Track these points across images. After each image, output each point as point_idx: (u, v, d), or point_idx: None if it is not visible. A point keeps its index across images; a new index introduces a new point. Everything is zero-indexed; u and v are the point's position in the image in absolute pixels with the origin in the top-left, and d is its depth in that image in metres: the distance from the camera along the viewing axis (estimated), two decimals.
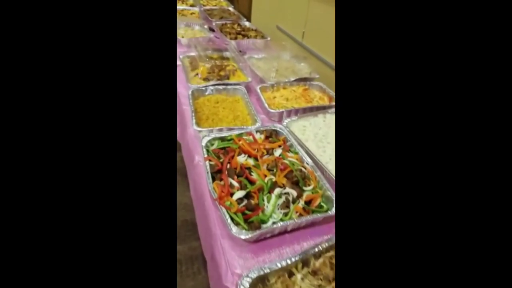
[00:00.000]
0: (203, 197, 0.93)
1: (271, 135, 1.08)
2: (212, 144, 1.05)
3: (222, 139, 1.06)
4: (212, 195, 0.83)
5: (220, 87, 1.42)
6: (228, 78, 1.47)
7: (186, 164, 1.23)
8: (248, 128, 1.12)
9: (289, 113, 1.31)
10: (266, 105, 1.31)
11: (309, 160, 0.99)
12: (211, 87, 1.40)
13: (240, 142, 1.01)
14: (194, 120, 1.15)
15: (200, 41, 2.00)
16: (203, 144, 1.02)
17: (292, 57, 1.82)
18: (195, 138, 1.15)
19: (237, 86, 1.43)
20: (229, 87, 1.43)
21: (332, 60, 2.03)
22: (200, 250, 1.55)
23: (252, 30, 2.20)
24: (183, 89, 1.44)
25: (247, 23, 2.36)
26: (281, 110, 1.28)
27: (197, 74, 1.46)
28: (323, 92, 1.50)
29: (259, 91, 1.41)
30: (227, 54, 1.80)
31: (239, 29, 2.17)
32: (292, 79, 1.54)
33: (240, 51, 1.91)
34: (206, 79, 1.43)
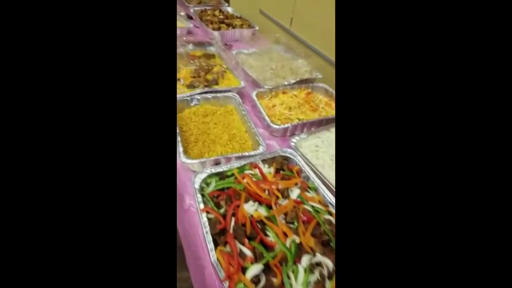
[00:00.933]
0: (202, 267, 0.68)
1: (282, 166, 0.86)
2: (208, 184, 0.80)
3: (220, 175, 0.82)
4: (216, 272, 0.60)
5: (209, 95, 1.15)
6: (217, 83, 1.20)
7: None
8: (251, 157, 0.87)
9: (295, 128, 1.08)
10: (267, 118, 1.06)
11: (333, 199, 0.78)
12: (198, 96, 1.14)
13: (245, 181, 0.78)
14: (180, 147, 0.89)
15: (177, 34, 1.69)
16: (196, 185, 0.78)
17: (285, 51, 1.57)
18: (183, 170, 0.89)
19: (229, 94, 1.17)
20: (219, 95, 1.16)
21: (327, 53, 1.79)
22: None
23: (237, 17, 1.89)
24: None
25: (229, 9, 2.04)
26: (286, 126, 1.05)
27: (178, 79, 1.18)
28: (329, 97, 1.27)
29: (255, 98, 1.16)
30: (211, 49, 1.50)
31: (221, 17, 1.86)
32: (292, 80, 1.29)
33: (226, 45, 1.62)
34: (190, 86, 1.15)
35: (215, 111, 1.12)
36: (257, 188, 0.75)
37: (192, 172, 0.87)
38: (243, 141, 0.99)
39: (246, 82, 1.25)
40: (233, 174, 0.81)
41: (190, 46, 1.49)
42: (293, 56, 1.52)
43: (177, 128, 0.96)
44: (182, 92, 1.13)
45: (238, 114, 1.12)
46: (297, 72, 1.39)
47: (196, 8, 1.96)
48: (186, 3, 2.04)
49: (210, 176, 0.80)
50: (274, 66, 1.39)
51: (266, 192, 0.76)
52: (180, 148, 0.88)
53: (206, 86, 1.15)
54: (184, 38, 1.51)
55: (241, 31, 1.71)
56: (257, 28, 1.75)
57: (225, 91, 1.17)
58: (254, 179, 0.78)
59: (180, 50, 1.39)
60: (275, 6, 2.48)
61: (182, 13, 1.91)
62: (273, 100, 1.21)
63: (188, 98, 1.11)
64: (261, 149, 0.92)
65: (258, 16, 2.61)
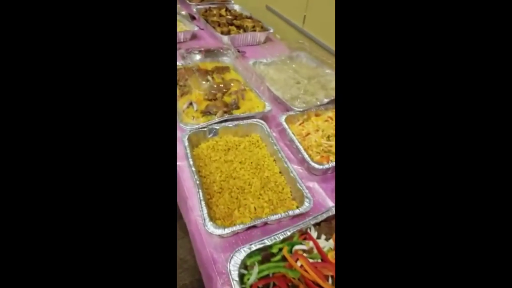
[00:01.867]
0: None
1: None
2: (246, 268, 0.58)
3: (262, 251, 0.60)
4: None
5: (229, 123, 0.93)
6: (237, 107, 0.98)
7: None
8: (300, 222, 0.65)
9: None
10: (304, 154, 0.84)
11: None
12: (217, 126, 0.91)
13: (299, 264, 0.57)
14: (203, 207, 0.67)
15: (180, 40, 1.44)
16: (233, 270, 0.57)
17: (309, 59, 1.34)
18: (211, 247, 0.67)
19: (254, 120, 0.95)
20: (242, 122, 0.94)
21: None
22: None
23: (246, 17, 1.64)
24: None
25: (236, 7, 1.78)
26: (329, 166, 0.84)
27: (190, 104, 0.96)
28: None
29: (285, 124, 0.93)
30: (225, 60, 1.27)
31: (229, 17, 1.61)
32: (325, 99, 1.07)
33: (239, 51, 1.38)
34: (206, 113, 0.92)
35: (238, 144, 0.90)
36: (317, 275, 0.55)
37: (220, 239, 0.66)
38: (280, 188, 0.78)
39: (270, 102, 1.03)
40: (279, 251, 0.60)
41: (198, 56, 1.25)
42: (320, 65, 1.29)
43: (194, 172, 0.74)
44: (197, 121, 0.90)
45: (266, 147, 0.90)
46: (327, 87, 1.16)
47: (199, 7, 1.70)
48: (188, 1, 1.77)
49: (251, 255, 0.59)
50: (301, 80, 1.16)
51: (330, 280, 0.56)
52: (203, 209, 0.66)
53: (225, 112, 0.93)
54: (188, 42, 1.26)
55: (254, 34, 1.47)
56: (271, 30, 1.50)
57: (249, 118, 0.95)
58: (310, 258, 0.58)
59: (187, 61, 1.15)
60: (285, 1, 2.23)
61: (184, 13, 1.66)
62: (306, 126, 0.99)
63: (205, 129, 0.89)
64: (306, 204, 0.71)
65: (264, 12, 2.36)
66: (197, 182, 0.72)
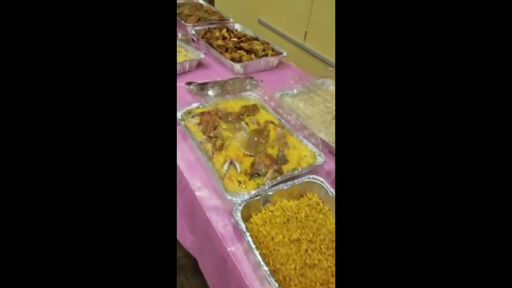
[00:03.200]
0: None
1: None
2: None
3: None
4: None
5: (283, 185, 0.73)
6: (286, 161, 0.80)
7: None
8: None
9: None
10: None
11: None
12: (270, 190, 0.70)
13: None
14: None
15: (186, 69, 1.22)
16: None
17: (333, 85, 1.19)
18: None
19: (310, 178, 0.75)
20: (297, 181, 0.75)
21: None
22: None
23: (253, 38, 1.46)
24: (211, 202, 0.71)
25: (237, 26, 1.60)
26: None
27: (231, 163, 0.76)
28: None
29: None
30: (249, 95, 1.06)
31: (235, 39, 1.42)
32: None
33: (253, 79, 1.20)
34: (254, 175, 0.73)
35: (297, 210, 0.71)
36: None
37: None
38: None
39: (317, 147, 0.85)
40: None
41: (210, 91, 1.05)
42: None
43: (260, 263, 0.56)
44: (246, 188, 0.71)
45: (331, 211, 0.72)
46: None
47: (197, 28, 1.49)
48: (183, 22, 1.55)
49: None
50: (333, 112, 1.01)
51: None
52: None
53: (276, 170, 0.75)
54: (199, 83, 1.04)
55: (267, 60, 1.30)
56: (285, 54, 1.34)
57: (304, 175, 0.75)
58: None
59: (208, 104, 0.94)
60: (281, 14, 2.08)
61: (180, 35, 1.44)
62: None
63: (258, 198, 0.71)
64: None
65: (256, 26, 2.19)
66: (269, 278, 0.53)
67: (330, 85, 1.18)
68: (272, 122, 0.90)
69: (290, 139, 0.86)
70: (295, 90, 1.12)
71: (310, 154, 0.83)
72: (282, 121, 0.93)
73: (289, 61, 1.42)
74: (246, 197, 0.68)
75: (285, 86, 1.14)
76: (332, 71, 1.17)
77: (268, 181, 0.71)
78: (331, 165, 0.85)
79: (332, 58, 1.72)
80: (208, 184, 0.75)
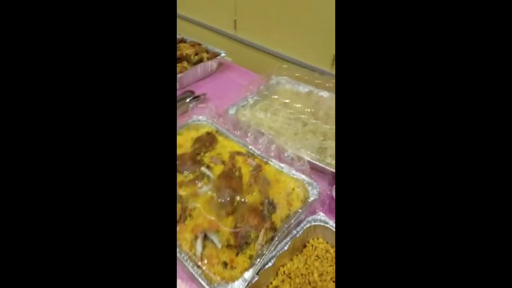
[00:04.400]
0: None
1: None
2: None
3: None
4: None
5: (282, 246, 0.52)
6: (274, 208, 0.57)
7: None
8: None
9: None
10: None
11: None
12: (270, 260, 0.49)
13: None
14: None
15: None
16: None
17: (293, 84, 1.00)
18: None
19: (310, 221, 0.54)
20: (295, 232, 0.54)
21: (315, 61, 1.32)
22: None
23: (183, 42, 1.16)
24: None
25: None
26: None
27: (205, 238, 0.50)
28: None
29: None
30: (198, 120, 0.78)
31: None
32: None
33: (196, 97, 0.95)
34: (241, 246, 0.49)
35: (306, 270, 0.54)
36: None
37: None
38: None
39: (306, 173, 0.67)
40: None
41: None
42: (310, 89, 0.97)
43: None
44: (231, 273, 0.48)
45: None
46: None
47: None
48: None
49: None
50: (307, 120, 0.82)
51: None
52: None
53: (268, 228, 0.54)
54: None
55: (204, 65, 1.05)
56: (223, 54, 1.10)
57: (302, 219, 0.56)
58: None
59: None
60: (200, 4, 1.80)
61: None
62: None
63: (257, 278, 0.50)
64: None
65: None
66: None
67: (287, 84, 1.00)
68: (239, 153, 0.69)
69: (267, 171, 0.67)
70: (250, 99, 0.91)
71: (297, 184, 0.64)
72: (250, 147, 0.73)
73: (228, 58, 1.20)
74: (242, 285, 0.47)
75: (234, 93, 0.93)
76: (286, 68, 0.99)
77: (263, 248, 0.51)
78: (322, 187, 0.69)
79: (267, 45, 1.55)
80: (182, 278, 0.52)
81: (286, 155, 0.67)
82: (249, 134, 0.73)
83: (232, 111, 0.84)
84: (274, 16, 1.44)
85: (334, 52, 1.32)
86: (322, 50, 1.33)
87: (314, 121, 0.85)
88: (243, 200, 0.58)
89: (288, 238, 0.55)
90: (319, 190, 0.63)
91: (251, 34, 1.62)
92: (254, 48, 1.62)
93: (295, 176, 0.65)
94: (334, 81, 0.95)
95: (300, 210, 0.58)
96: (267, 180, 0.63)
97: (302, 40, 1.38)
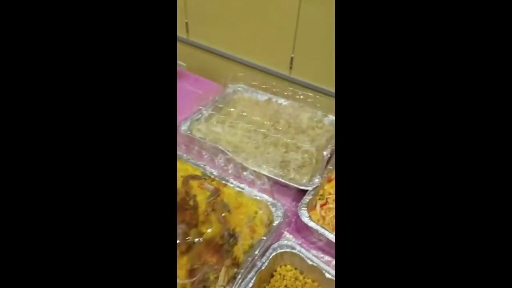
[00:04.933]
0: None
1: None
2: None
3: None
4: None
5: (246, 284, 0.46)
6: (235, 239, 0.51)
7: None
8: None
9: None
10: None
11: None
12: None
13: None
14: None
15: None
16: None
17: (251, 92, 0.94)
18: None
19: (276, 248, 0.50)
20: (260, 264, 0.48)
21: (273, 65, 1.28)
22: None
23: None
24: None
25: None
26: None
27: None
28: None
29: (306, 218, 0.58)
30: None
31: None
32: (326, 152, 0.74)
33: None
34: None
35: None
36: None
37: None
38: None
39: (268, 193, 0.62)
40: None
41: None
42: (269, 96, 0.92)
43: None
44: None
45: (317, 282, 0.51)
46: (302, 126, 0.83)
47: None
48: None
49: None
50: (266, 131, 0.77)
51: None
52: None
53: (229, 266, 0.47)
54: None
55: None
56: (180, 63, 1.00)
57: (267, 246, 0.51)
58: None
59: None
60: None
61: None
62: (329, 208, 0.66)
63: None
64: None
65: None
66: None
67: (244, 92, 0.94)
68: (194, 177, 0.62)
69: (227, 195, 0.60)
70: (204, 112, 0.84)
71: (260, 205, 0.59)
72: (206, 167, 0.66)
73: (183, 64, 1.11)
74: None
75: (187, 104, 0.84)
76: (243, 76, 0.93)
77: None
78: (287, 204, 0.64)
79: (222, 48, 1.47)
80: None
81: (245, 174, 0.61)
82: (204, 153, 0.66)
83: (184, 127, 0.76)
84: (229, 17, 1.37)
85: (291, 55, 1.30)
86: (279, 53, 1.29)
87: (275, 132, 0.80)
88: (199, 234, 0.51)
89: (252, 273, 0.49)
90: (284, 211, 0.58)
91: (204, 37, 1.54)
92: (208, 51, 1.54)
93: (258, 198, 0.60)
94: (291, 88, 0.91)
95: (265, 238, 0.53)
96: (227, 207, 0.57)
97: (258, 43, 1.33)
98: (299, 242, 0.59)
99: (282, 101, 0.91)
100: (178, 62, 1.02)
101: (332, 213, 0.63)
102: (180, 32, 1.57)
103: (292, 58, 1.31)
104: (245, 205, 0.58)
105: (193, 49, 1.57)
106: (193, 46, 1.54)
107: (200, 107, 0.84)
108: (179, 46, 1.57)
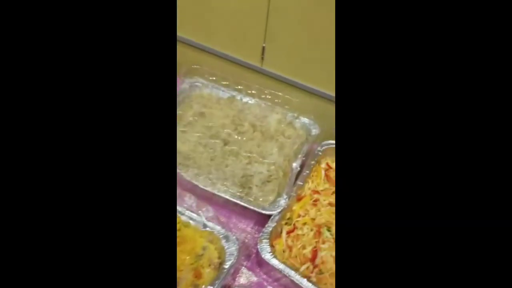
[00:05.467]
0: None
1: None
2: None
3: None
4: None
5: None
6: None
7: None
8: None
9: None
10: None
11: None
12: None
13: None
14: None
15: None
16: None
17: (211, 88, 0.79)
18: None
19: None
20: None
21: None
22: None
23: None
24: None
25: None
26: None
27: None
28: None
29: (267, 256, 0.46)
30: None
31: None
32: (295, 164, 0.61)
33: None
34: None
35: None
36: None
37: None
38: None
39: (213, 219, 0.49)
40: None
41: None
42: (232, 93, 0.78)
43: None
44: None
45: None
46: (270, 130, 0.70)
47: None
48: None
49: None
50: (229, 137, 0.64)
51: None
52: None
53: None
54: None
55: None
56: None
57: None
58: None
59: None
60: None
61: None
62: (300, 231, 0.54)
63: None
64: None
65: None
66: None
67: (204, 88, 0.79)
68: None
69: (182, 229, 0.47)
70: None
71: (210, 238, 0.47)
72: None
73: None
74: None
75: None
76: (199, 69, 0.78)
77: None
78: (248, 229, 0.52)
79: (178, 31, 1.30)
80: None
81: (185, 199, 0.48)
82: None
83: None
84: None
85: (263, 44, 1.15)
86: (249, 41, 1.14)
87: (238, 136, 0.67)
88: None
89: None
90: (238, 247, 0.46)
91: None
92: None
93: (207, 229, 0.47)
94: (257, 86, 0.78)
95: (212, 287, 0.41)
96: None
97: (225, 26, 1.17)
98: (260, 280, 0.48)
99: (247, 99, 0.78)
100: None
101: (301, 242, 0.52)
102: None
103: (263, 48, 1.17)
104: (190, 240, 0.45)
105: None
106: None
107: None
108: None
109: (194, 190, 0.54)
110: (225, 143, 0.66)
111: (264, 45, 1.14)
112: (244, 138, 0.67)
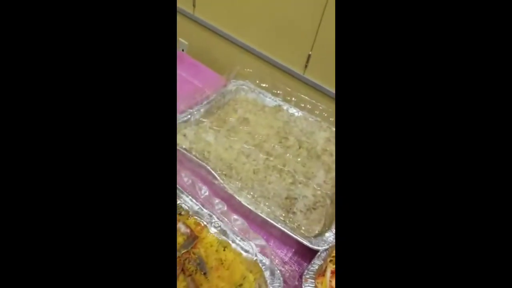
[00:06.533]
0: None
1: None
2: None
3: None
4: None
5: None
6: None
7: None
8: None
9: None
10: None
11: None
12: None
13: None
14: None
15: None
16: None
17: (257, 93, 0.74)
18: None
19: None
20: None
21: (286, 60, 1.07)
22: None
23: None
24: None
25: None
26: None
27: None
28: None
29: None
30: None
31: None
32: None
33: None
34: None
35: None
36: None
37: None
38: None
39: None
40: None
41: None
42: (279, 102, 0.72)
43: None
44: None
45: None
46: (317, 149, 0.64)
47: None
48: None
49: None
50: (270, 149, 0.58)
51: None
52: None
53: None
54: None
55: None
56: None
57: None
58: None
59: None
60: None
61: None
62: None
63: None
64: None
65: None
66: None
67: (250, 92, 0.74)
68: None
69: (205, 245, 0.41)
70: (195, 112, 0.64)
71: (251, 267, 0.41)
72: (184, 197, 0.47)
73: (185, 42, 0.90)
74: None
75: (178, 97, 0.65)
76: (251, 73, 0.73)
77: None
78: (285, 257, 0.46)
79: (231, 32, 1.26)
80: None
81: (238, 222, 0.43)
82: (183, 174, 0.47)
83: None
84: (245, 2, 1.15)
85: (309, 53, 1.10)
86: (296, 50, 1.09)
87: (282, 151, 0.61)
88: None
89: None
90: (281, 283, 0.40)
91: (213, 15, 1.32)
92: (214, 33, 1.32)
93: (248, 256, 0.42)
94: (306, 97, 0.71)
95: None
96: (203, 266, 0.39)
97: (274, 32, 1.12)
98: None
99: (294, 110, 0.72)
100: (179, 39, 0.82)
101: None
102: (186, 5, 1.35)
103: (309, 56, 1.11)
104: (229, 266, 0.40)
105: (198, 27, 1.35)
106: (197, 24, 1.32)
107: (192, 104, 0.65)
108: (181, 21, 1.36)
109: (229, 200, 0.49)
110: (268, 156, 0.60)
111: (310, 53, 1.08)
112: (288, 154, 0.61)
